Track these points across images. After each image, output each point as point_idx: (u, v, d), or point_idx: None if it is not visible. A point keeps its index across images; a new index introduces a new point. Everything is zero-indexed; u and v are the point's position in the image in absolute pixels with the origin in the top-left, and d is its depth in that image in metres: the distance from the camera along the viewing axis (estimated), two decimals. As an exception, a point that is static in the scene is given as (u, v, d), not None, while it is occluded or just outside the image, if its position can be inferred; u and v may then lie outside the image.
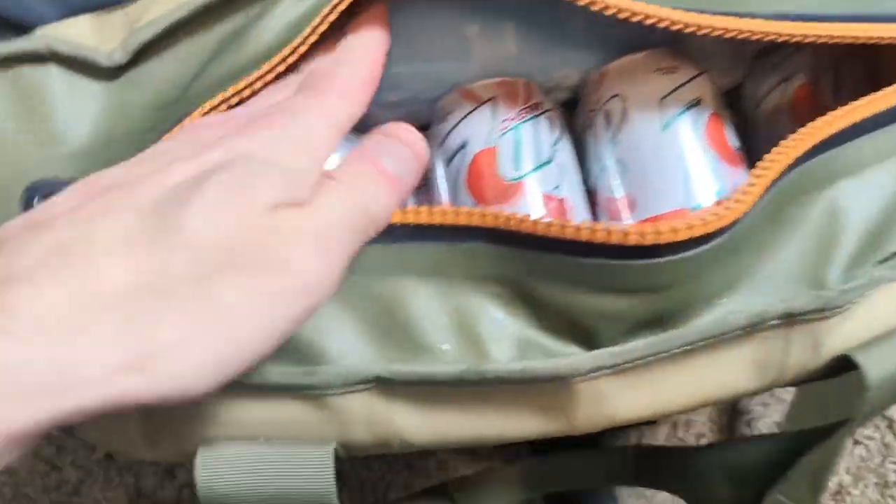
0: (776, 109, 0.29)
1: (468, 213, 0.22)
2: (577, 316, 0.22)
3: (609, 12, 0.21)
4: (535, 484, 0.40)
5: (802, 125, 0.23)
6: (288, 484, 0.23)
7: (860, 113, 0.22)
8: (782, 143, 0.22)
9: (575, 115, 0.28)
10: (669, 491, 0.36)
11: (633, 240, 0.20)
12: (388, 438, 0.24)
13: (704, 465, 0.33)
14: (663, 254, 0.21)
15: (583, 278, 0.22)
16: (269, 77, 0.21)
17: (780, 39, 0.22)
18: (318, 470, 0.23)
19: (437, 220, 0.22)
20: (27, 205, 0.22)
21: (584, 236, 0.21)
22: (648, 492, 0.51)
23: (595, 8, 0.21)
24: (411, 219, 0.22)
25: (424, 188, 0.30)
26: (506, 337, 0.23)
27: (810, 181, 0.23)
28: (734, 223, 0.21)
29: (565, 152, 0.27)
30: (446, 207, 0.22)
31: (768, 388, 0.25)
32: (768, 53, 0.29)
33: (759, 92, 0.30)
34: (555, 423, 0.24)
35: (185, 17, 0.20)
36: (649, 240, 0.20)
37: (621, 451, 0.40)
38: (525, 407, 0.23)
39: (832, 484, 0.51)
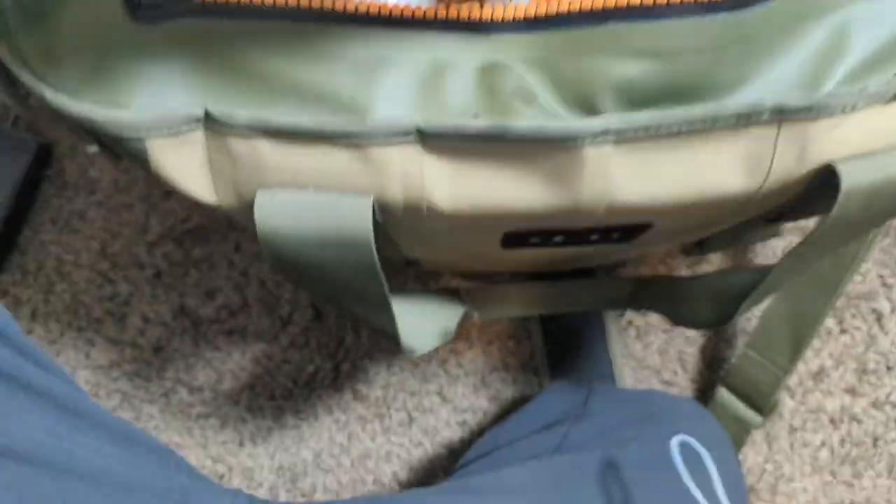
0: None
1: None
2: (593, 84, 0.24)
3: None
4: (541, 303, 0.44)
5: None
6: (332, 226, 0.26)
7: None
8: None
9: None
10: (658, 312, 0.40)
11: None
12: (417, 198, 0.27)
13: (693, 289, 0.36)
14: (668, 13, 0.23)
15: (602, 44, 0.24)
16: None
17: None
18: (359, 216, 0.26)
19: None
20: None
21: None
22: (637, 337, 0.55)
23: None
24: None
25: None
26: (528, 103, 0.25)
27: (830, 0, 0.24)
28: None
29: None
30: None
31: (755, 195, 0.27)
32: None
33: None
34: (562, 193, 0.26)
35: None
36: None
37: (621, 280, 0.44)
38: (537, 173, 0.26)
39: (813, 365, 0.54)
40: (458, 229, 0.30)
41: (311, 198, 0.26)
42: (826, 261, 0.46)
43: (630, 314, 0.54)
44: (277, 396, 0.55)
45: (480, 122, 0.25)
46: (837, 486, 0.54)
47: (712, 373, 0.55)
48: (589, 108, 0.25)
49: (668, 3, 0.25)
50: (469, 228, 0.30)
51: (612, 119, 0.25)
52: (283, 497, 0.54)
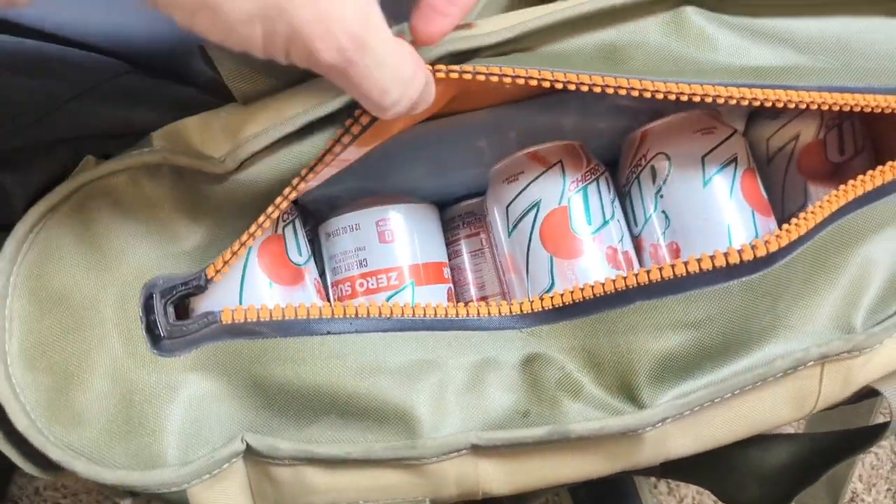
0: (781, 156, 0.32)
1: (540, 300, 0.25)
2: (633, 363, 0.24)
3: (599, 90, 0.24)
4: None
5: (807, 175, 0.27)
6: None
7: (886, 177, 0.25)
8: (826, 198, 0.25)
9: (617, 171, 0.31)
10: (698, 485, 0.38)
11: (692, 267, 0.24)
12: (472, 491, 0.26)
13: (733, 463, 0.34)
14: (690, 284, 0.24)
15: (633, 322, 0.25)
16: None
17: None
18: (417, 525, 0.25)
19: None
20: (147, 301, 0.24)
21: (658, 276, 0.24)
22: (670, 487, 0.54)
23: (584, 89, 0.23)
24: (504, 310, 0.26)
25: (477, 253, 0.33)
26: (575, 397, 0.25)
27: (849, 236, 0.25)
28: (774, 255, 0.24)
29: (619, 209, 0.29)
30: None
31: (802, 419, 0.28)
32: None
33: (762, 136, 0.33)
34: (620, 463, 0.26)
35: (291, 132, 0.23)
36: (691, 268, 0.24)
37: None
38: (596, 454, 0.26)
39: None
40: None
41: (365, 514, 0.25)
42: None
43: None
44: None
45: (538, 430, 0.24)
46: None
47: (750, 518, 0.53)
48: (633, 387, 0.25)
49: (688, 274, 0.25)
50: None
51: (669, 407, 0.24)
52: None
